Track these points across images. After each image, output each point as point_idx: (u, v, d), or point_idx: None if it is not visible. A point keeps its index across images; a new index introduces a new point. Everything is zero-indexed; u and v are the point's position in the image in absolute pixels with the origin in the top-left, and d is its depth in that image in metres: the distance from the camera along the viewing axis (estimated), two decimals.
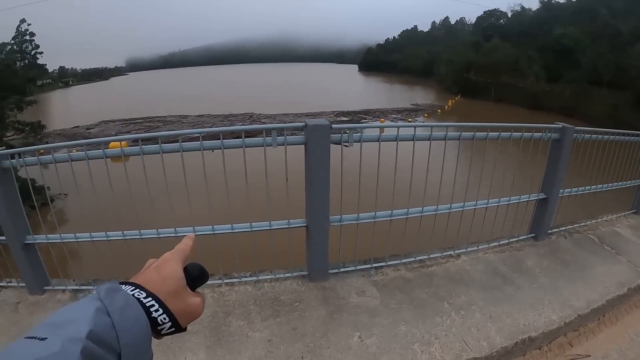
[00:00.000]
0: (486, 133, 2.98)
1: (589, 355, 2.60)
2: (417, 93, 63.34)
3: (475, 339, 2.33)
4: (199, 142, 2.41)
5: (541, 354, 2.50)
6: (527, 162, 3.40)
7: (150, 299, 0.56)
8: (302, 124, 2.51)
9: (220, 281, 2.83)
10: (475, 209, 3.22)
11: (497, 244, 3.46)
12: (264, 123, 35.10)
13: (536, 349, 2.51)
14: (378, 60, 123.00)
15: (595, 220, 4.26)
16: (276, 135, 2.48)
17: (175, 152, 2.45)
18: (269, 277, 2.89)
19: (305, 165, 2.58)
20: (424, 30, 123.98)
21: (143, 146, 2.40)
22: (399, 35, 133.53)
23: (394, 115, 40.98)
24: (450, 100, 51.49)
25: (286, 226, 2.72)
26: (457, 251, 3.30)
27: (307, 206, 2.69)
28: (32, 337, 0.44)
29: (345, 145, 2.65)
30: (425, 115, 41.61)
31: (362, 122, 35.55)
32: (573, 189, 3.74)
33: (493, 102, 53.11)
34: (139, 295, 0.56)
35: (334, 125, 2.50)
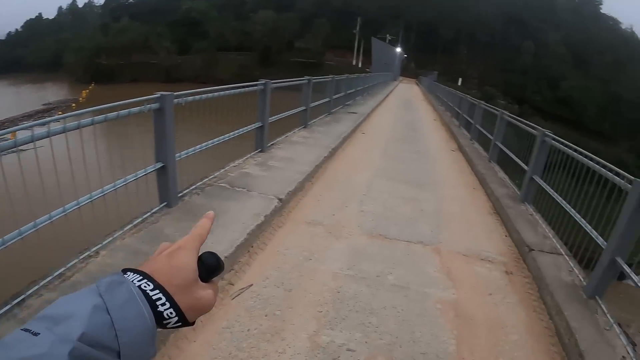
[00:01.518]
0: (104, 116, 2.89)
1: (252, 284, 2.91)
2: (49, 90, 55.17)
3: None
4: None
5: None
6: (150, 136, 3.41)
7: (157, 291, 0.49)
8: None
9: None
10: (104, 195, 2.98)
11: (131, 225, 3.27)
12: None
13: None
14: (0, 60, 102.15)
15: (224, 169, 4.72)
16: None
17: None
18: None
19: None
20: (50, 18, 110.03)
21: None
22: (22, 26, 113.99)
23: (25, 122, 35.30)
24: (83, 92, 48.04)
25: None
26: (93, 249, 2.93)
27: None
28: (27, 330, 0.41)
29: None
30: (59, 112, 37.76)
31: None
32: (190, 149, 3.89)
33: (129, 84, 52.36)
34: (145, 287, 0.49)
35: None
